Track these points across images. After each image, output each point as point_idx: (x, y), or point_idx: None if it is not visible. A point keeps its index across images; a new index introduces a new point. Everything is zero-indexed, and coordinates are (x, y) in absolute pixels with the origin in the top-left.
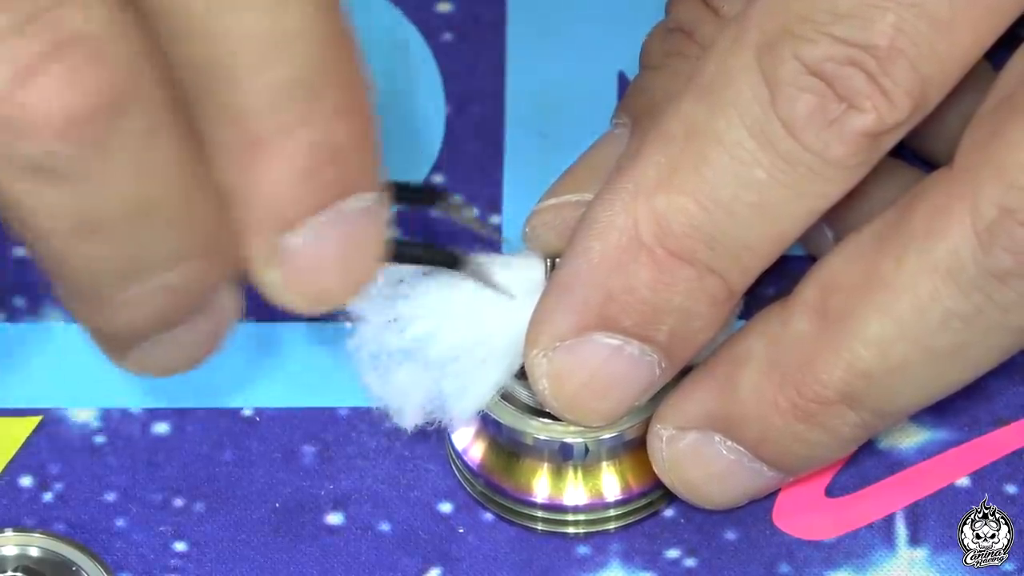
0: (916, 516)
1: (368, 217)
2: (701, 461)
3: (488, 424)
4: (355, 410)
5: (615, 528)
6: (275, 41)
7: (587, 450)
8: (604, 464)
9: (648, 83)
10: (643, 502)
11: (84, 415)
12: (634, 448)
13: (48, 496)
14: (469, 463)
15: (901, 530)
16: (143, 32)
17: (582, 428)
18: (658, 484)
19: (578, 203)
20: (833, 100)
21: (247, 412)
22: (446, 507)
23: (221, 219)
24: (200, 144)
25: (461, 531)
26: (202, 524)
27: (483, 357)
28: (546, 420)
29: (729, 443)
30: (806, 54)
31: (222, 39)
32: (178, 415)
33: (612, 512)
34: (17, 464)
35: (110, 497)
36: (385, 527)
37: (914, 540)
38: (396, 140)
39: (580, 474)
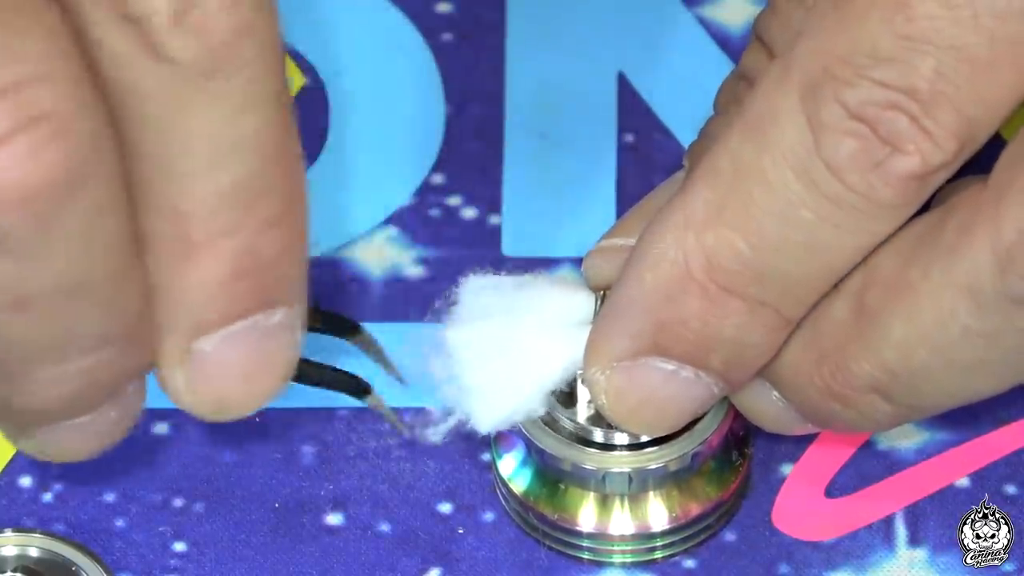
0: (916, 516)
1: (282, 332)
2: (757, 406)
3: (532, 451)
4: (355, 410)
5: (662, 558)
6: (228, 145)
7: (631, 480)
8: (651, 494)
9: (711, 128)
10: (690, 531)
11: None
12: (681, 478)
13: (48, 496)
14: (514, 490)
15: (901, 530)
16: (105, 115)
17: (625, 456)
18: (705, 514)
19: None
20: (877, 143)
21: None
22: (446, 507)
23: (143, 311)
24: (136, 234)
25: (461, 531)
26: (202, 524)
27: (516, 376)
28: (590, 449)
29: (775, 394)
30: (848, 98)
31: (180, 135)
32: (178, 415)
33: (659, 542)
34: (17, 464)
35: (110, 497)
36: (385, 527)
37: (914, 540)
38: (396, 140)
39: (626, 504)
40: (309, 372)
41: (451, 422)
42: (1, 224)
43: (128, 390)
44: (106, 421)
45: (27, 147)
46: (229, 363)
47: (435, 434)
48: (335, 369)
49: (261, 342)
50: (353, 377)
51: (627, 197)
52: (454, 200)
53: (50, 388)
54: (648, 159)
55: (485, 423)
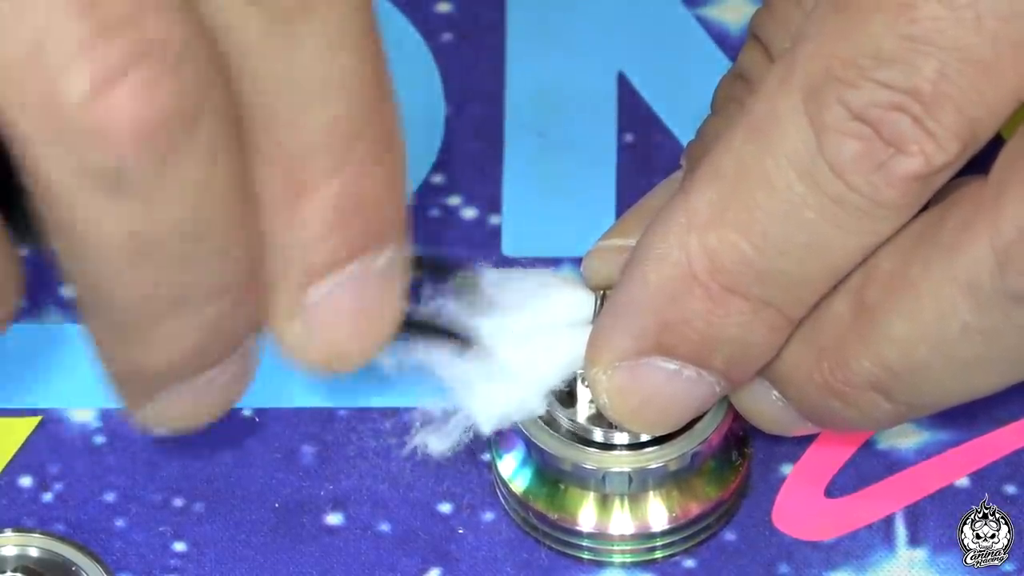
0: (916, 516)
1: (388, 274)
2: (756, 405)
3: (532, 451)
4: (355, 410)
5: (662, 558)
6: (325, 82)
7: (631, 480)
8: (651, 494)
9: (708, 128)
10: (690, 531)
11: (84, 415)
12: (681, 477)
13: (48, 496)
14: (514, 491)
15: (901, 530)
16: (213, 51)
17: (625, 456)
18: (705, 514)
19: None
20: (880, 144)
21: (247, 412)
22: (446, 507)
23: (258, 261)
24: (250, 182)
25: (461, 531)
26: (202, 524)
27: (516, 376)
28: (590, 449)
29: (775, 394)
30: (851, 99)
31: (276, 76)
32: None
33: (659, 542)
34: (17, 464)
35: (110, 497)
36: (385, 527)
37: (914, 540)
38: None
39: (626, 504)
40: (415, 324)
41: (456, 429)
42: (120, 162)
43: (242, 348)
44: (221, 383)
45: (142, 81)
46: (340, 311)
47: (441, 443)
48: (438, 322)
49: (369, 287)
50: (460, 332)
51: (627, 197)
52: (454, 200)
53: (170, 344)
54: (648, 159)
55: (486, 423)
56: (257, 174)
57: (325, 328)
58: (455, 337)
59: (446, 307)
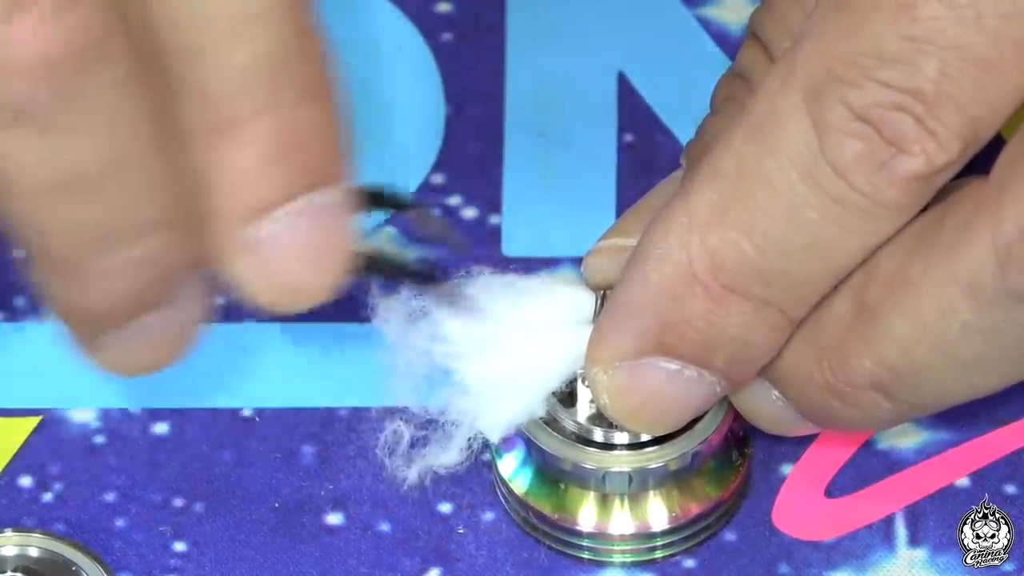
0: (916, 516)
1: (335, 212)
2: (756, 405)
3: (532, 451)
4: (355, 410)
5: (662, 558)
6: (243, 20)
7: (631, 480)
8: (651, 493)
9: (708, 127)
10: (690, 531)
11: (84, 415)
12: (681, 477)
13: (48, 496)
14: (514, 490)
15: (901, 530)
16: None
17: (625, 456)
18: (705, 514)
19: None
20: (881, 144)
21: (247, 412)
22: (446, 507)
23: (193, 200)
24: (174, 122)
25: (461, 531)
26: (202, 524)
27: (518, 379)
28: (590, 449)
29: (775, 394)
30: (853, 99)
31: (195, 12)
32: (178, 415)
33: (659, 542)
34: (17, 464)
35: (110, 497)
36: (385, 527)
37: (914, 540)
38: (396, 140)
39: (627, 503)
40: (378, 261)
41: (462, 441)
42: (26, 95)
43: (188, 292)
44: (169, 325)
45: (43, 15)
46: (288, 246)
47: (450, 458)
48: (402, 256)
49: (317, 222)
50: (426, 267)
51: (627, 197)
52: (454, 200)
53: (107, 283)
54: (648, 159)
55: (493, 430)
56: (183, 110)
57: (275, 265)
58: (419, 274)
59: (412, 247)
